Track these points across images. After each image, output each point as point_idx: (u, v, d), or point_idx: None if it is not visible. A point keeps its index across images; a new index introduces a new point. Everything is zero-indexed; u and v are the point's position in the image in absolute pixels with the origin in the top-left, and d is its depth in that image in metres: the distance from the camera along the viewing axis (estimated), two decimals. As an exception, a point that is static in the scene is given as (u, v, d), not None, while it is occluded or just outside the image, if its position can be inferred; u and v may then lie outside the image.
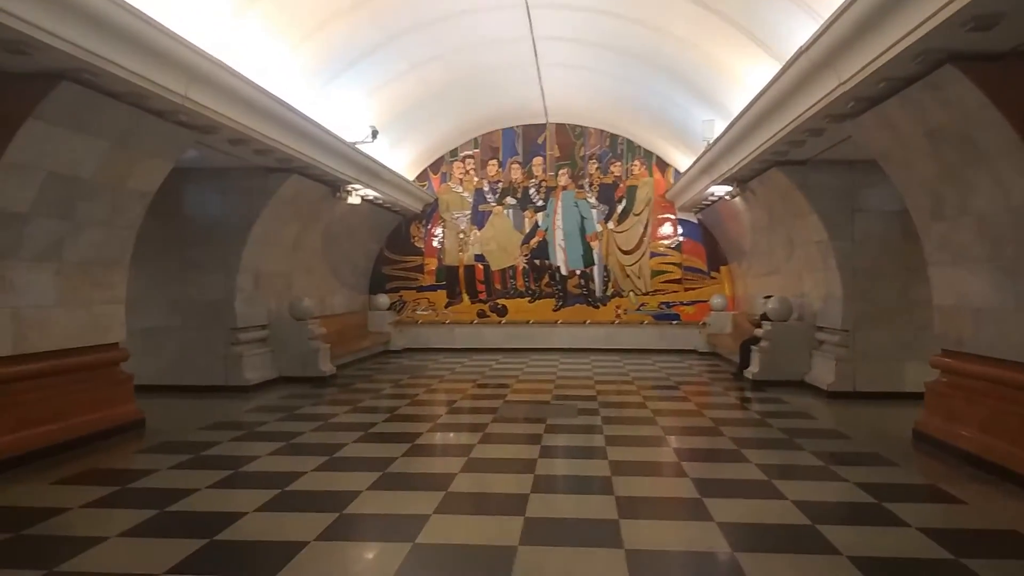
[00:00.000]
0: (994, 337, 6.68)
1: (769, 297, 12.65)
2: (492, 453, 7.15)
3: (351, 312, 16.65)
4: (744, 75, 10.17)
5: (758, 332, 12.21)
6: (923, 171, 7.15)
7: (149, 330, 11.03)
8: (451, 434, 8.45)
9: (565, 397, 10.70)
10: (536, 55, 12.83)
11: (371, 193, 14.16)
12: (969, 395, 6.96)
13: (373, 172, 13.49)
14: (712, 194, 14.41)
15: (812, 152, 9.80)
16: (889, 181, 10.41)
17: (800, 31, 7.43)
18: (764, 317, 12.42)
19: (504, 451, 7.27)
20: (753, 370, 12.04)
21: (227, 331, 11.16)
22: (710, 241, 17.81)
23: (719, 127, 11.92)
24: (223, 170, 10.97)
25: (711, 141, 12.17)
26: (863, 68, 6.15)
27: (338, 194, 13.00)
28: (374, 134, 12.58)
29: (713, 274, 17.91)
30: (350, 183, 12.84)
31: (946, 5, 4.78)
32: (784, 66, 7.36)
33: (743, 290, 16.97)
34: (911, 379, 10.30)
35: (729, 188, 13.10)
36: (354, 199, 13.42)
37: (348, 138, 11.89)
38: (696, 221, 17.81)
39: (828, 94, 6.94)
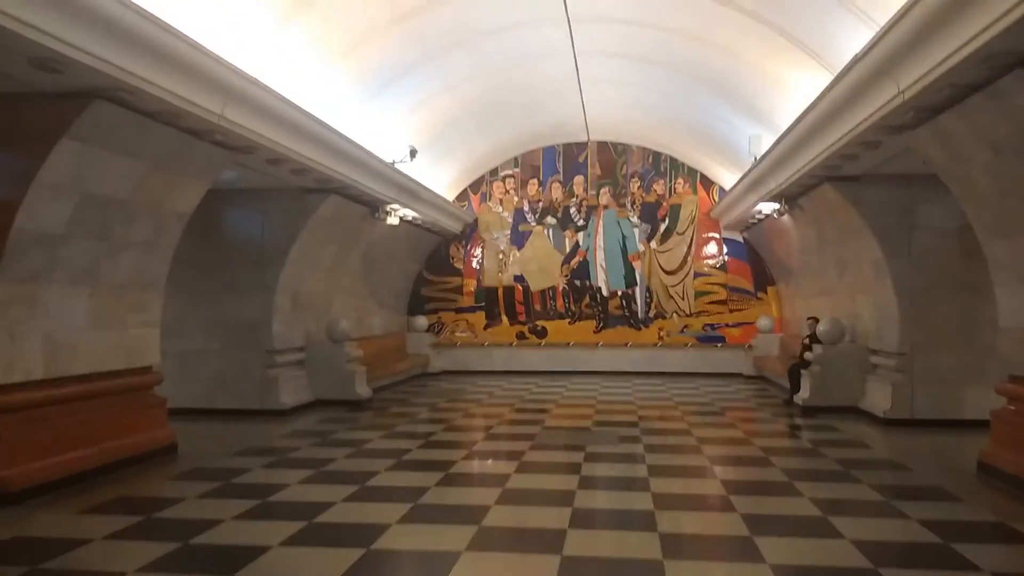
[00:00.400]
0: (1070, 363, 6.21)
1: (813, 319, 12.17)
2: (529, 484, 6.84)
3: (389, 334, 16.51)
4: (794, 87, 9.80)
5: (808, 356, 11.71)
6: (985, 185, 6.71)
7: (186, 353, 10.98)
8: (487, 462, 8.17)
9: (606, 423, 10.34)
10: (577, 70, 12.61)
11: (410, 213, 14.04)
12: (1043, 425, 6.46)
13: (412, 192, 13.37)
14: (759, 212, 14.00)
15: (866, 167, 9.37)
16: (948, 196, 9.91)
17: (854, 39, 7.06)
18: (812, 339, 11.94)
19: (541, 481, 6.96)
20: (803, 395, 11.54)
21: (264, 353, 11.06)
22: (756, 261, 17.31)
23: (767, 142, 11.56)
24: (261, 191, 10.93)
25: (758, 157, 11.80)
26: (925, 74, 5.76)
27: (377, 215, 12.90)
28: (412, 153, 12.45)
29: (760, 295, 17.38)
30: (389, 203, 12.74)
31: (1021, 2, 4.41)
32: (838, 75, 7.00)
33: (791, 312, 16.43)
34: (973, 406, 9.79)
35: (777, 205, 12.66)
36: (393, 220, 13.31)
37: (387, 157, 11.79)
38: (742, 240, 17.34)
39: (886, 104, 6.56)
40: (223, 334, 11.10)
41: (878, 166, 9.42)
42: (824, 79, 8.17)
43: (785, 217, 13.14)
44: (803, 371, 11.79)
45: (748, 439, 9.17)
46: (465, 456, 8.20)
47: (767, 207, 13.17)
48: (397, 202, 12.87)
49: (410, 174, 12.88)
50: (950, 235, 10.03)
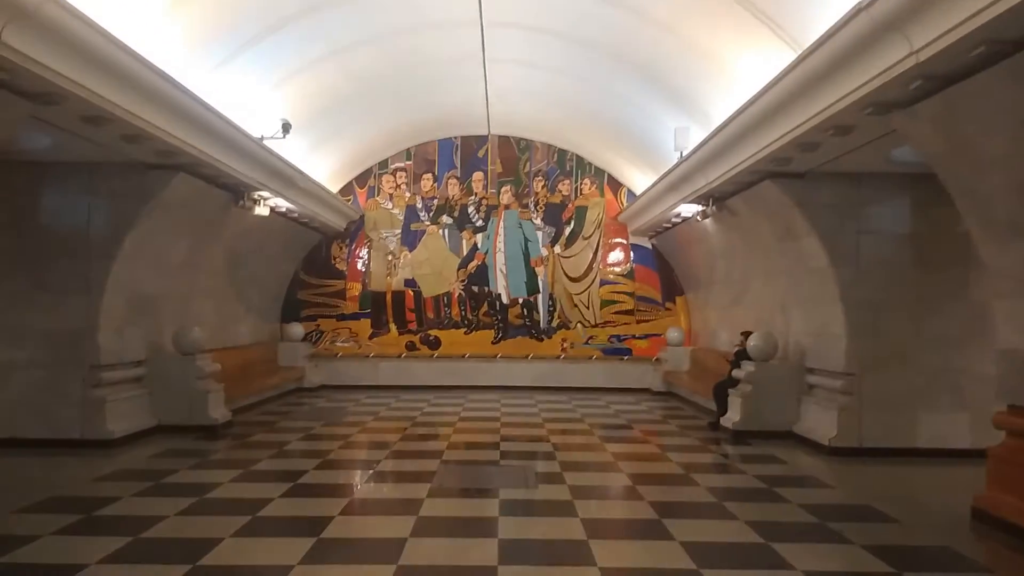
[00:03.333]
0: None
1: (748, 333, 10.92)
2: (431, 555, 5.02)
3: (258, 343, 14.24)
4: (741, 70, 8.44)
5: (737, 374, 10.46)
6: (1006, 175, 5.46)
7: (-17, 367, 8.57)
8: (372, 520, 6.26)
9: (515, 454, 8.67)
10: (483, 46, 10.91)
11: (283, 204, 11.93)
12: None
13: (286, 177, 11.26)
14: (676, 215, 12.73)
15: (820, 161, 8.12)
16: (899, 199, 9.01)
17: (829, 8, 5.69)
18: (741, 356, 10.69)
19: (447, 551, 5.16)
20: (733, 419, 10.24)
21: (88, 369, 8.73)
22: (665, 269, 16.14)
23: (695, 137, 10.27)
24: (89, 165, 8.69)
25: (685, 152, 10.48)
26: (961, 24, 4.41)
27: (242, 202, 10.71)
28: (285, 128, 10.41)
29: (668, 305, 16.22)
30: (256, 189, 10.60)
31: None
32: (829, 30, 5.53)
33: (702, 323, 15.33)
34: (926, 433, 8.84)
35: (699, 207, 11.38)
36: (262, 209, 11.16)
37: (252, 132, 9.69)
38: (650, 246, 16.12)
39: (888, 69, 5.21)
40: (33, 345, 8.72)
41: (827, 163, 8.24)
42: (786, 56, 6.86)
43: (707, 221, 11.90)
44: (731, 390, 10.54)
45: (689, 475, 7.68)
46: (343, 509, 6.26)
47: (689, 209, 11.90)
48: (267, 188, 10.74)
49: (284, 156, 10.81)
50: (901, 241, 9.02)
